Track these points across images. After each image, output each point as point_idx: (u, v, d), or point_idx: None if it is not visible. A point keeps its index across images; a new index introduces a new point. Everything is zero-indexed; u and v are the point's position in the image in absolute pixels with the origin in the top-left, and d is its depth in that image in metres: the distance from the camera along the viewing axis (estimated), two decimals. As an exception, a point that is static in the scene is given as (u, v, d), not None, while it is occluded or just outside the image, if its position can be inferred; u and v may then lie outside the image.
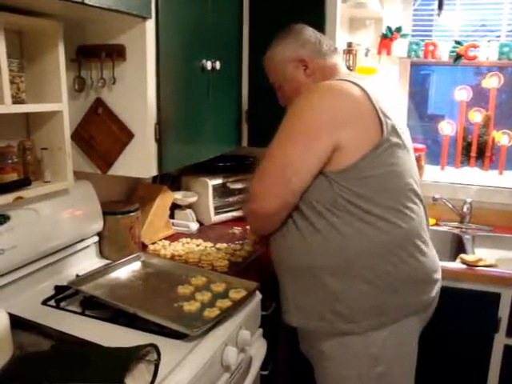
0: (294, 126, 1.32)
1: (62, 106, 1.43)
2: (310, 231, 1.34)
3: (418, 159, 2.41)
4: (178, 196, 2.18)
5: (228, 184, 2.29)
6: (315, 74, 1.46)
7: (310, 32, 1.51)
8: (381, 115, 1.31)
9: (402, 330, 1.37)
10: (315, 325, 1.39)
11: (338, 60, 1.52)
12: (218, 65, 1.86)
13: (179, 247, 1.89)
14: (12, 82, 1.34)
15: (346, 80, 1.36)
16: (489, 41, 2.35)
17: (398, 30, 2.46)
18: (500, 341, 1.90)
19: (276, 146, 1.33)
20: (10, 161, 1.37)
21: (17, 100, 1.36)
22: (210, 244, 1.94)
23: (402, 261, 1.33)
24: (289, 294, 1.45)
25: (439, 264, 1.48)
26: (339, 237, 1.31)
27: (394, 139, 1.33)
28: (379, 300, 1.33)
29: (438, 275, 1.46)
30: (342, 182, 1.30)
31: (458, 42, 2.37)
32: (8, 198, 1.31)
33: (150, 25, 1.48)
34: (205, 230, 2.18)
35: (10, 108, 1.29)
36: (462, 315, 1.91)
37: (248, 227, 2.07)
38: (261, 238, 1.63)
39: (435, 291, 1.43)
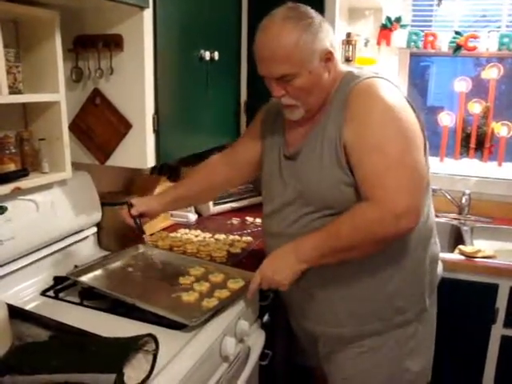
0: (405, 131, 1.22)
1: (59, 97, 1.42)
2: None
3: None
4: (177, 187, 2.18)
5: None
6: (332, 70, 1.30)
7: (323, 19, 1.31)
8: (417, 112, 1.32)
9: (432, 303, 1.47)
10: (372, 327, 1.37)
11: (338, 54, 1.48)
12: (216, 55, 1.85)
13: (178, 238, 1.89)
14: (8, 72, 1.33)
15: (379, 77, 1.32)
16: (489, 31, 2.34)
17: (398, 20, 2.44)
18: (497, 331, 1.91)
19: (402, 152, 1.20)
20: (7, 151, 1.37)
21: (14, 90, 1.36)
22: (208, 235, 1.94)
23: (429, 246, 1.40)
24: (337, 305, 1.37)
25: None
26: None
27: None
28: (420, 284, 1.39)
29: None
30: None
31: (457, 33, 2.36)
32: (6, 188, 1.31)
33: (148, 14, 1.47)
34: (203, 221, 2.18)
35: (6, 98, 1.29)
36: (460, 306, 1.92)
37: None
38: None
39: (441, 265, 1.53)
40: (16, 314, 1.20)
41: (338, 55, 1.41)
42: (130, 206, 1.57)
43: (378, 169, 1.19)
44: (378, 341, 1.39)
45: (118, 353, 0.96)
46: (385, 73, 2.37)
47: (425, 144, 1.33)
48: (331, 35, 1.30)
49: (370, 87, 1.26)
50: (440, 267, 1.51)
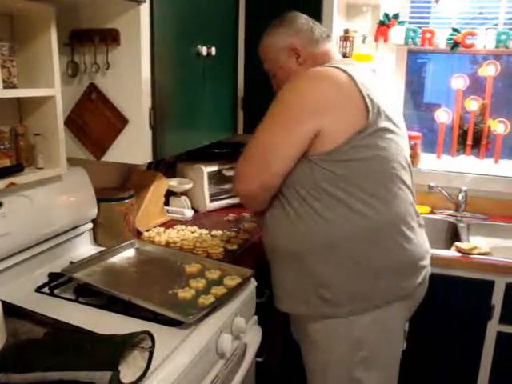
0: (277, 111, 1.35)
1: (54, 91, 1.41)
2: (295, 216, 1.36)
3: (413, 147, 2.42)
4: (173, 183, 2.17)
5: (223, 171, 2.28)
6: (307, 62, 1.47)
7: (302, 20, 1.51)
8: (367, 100, 1.30)
9: (385, 316, 1.37)
10: (301, 309, 1.42)
11: (331, 47, 1.52)
12: (213, 50, 1.84)
13: (174, 234, 1.88)
14: (3, 67, 1.32)
15: (333, 66, 1.37)
16: (486, 29, 2.33)
17: (396, 16, 2.44)
18: (493, 328, 1.91)
19: (260, 129, 1.36)
20: (2, 147, 1.36)
21: (8, 85, 1.34)
22: (205, 231, 1.94)
23: (385, 247, 1.34)
24: (278, 279, 1.48)
25: (428, 251, 1.46)
26: (321, 221, 1.32)
27: (382, 124, 1.33)
28: (361, 286, 1.34)
29: (425, 262, 1.44)
30: (324, 165, 1.31)
31: (455, 30, 2.35)
32: (0, 184, 1.30)
33: (145, 9, 1.46)
34: (200, 217, 2.17)
35: (1, 93, 1.27)
36: (456, 302, 1.92)
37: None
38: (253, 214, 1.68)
39: (421, 278, 1.41)
40: (10, 310, 1.19)
41: (332, 46, 1.51)
42: None
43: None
44: (323, 329, 1.39)
45: (113, 350, 0.95)
46: (380, 69, 2.40)
47: (389, 128, 1.35)
48: (306, 34, 1.48)
49: (300, 74, 1.39)
50: (419, 277, 1.40)
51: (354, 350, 1.38)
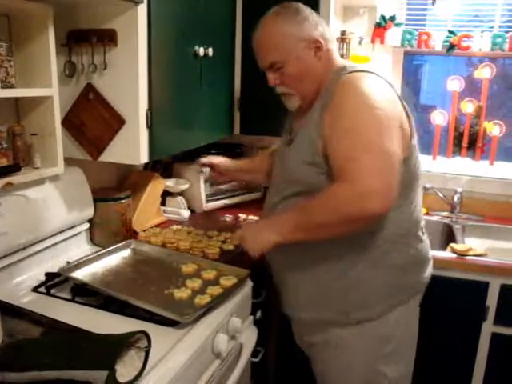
0: (378, 116, 1.23)
1: (52, 91, 1.41)
2: None
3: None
4: (170, 183, 2.17)
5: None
6: (323, 58, 1.37)
7: (314, 13, 1.41)
8: (405, 105, 1.35)
9: (408, 310, 1.43)
10: (330, 317, 1.40)
11: (335, 47, 1.51)
12: (210, 51, 1.85)
13: (170, 234, 1.88)
14: (0, 66, 1.32)
15: (374, 73, 1.34)
16: (482, 31, 2.35)
17: (392, 18, 2.44)
18: (488, 329, 1.92)
19: (374, 137, 1.21)
20: (-1, 146, 1.36)
21: (6, 84, 1.34)
22: (201, 231, 1.94)
23: (409, 244, 1.40)
24: (300, 288, 1.43)
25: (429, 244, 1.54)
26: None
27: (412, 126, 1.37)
28: (391, 283, 1.38)
29: (431, 254, 1.52)
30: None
31: (451, 32, 2.36)
32: (-3, 183, 1.30)
33: (142, 10, 1.46)
34: (196, 218, 2.18)
35: (-1, 92, 1.28)
36: (451, 303, 1.93)
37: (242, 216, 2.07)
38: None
39: (431, 269, 1.51)
40: (7, 310, 1.20)
41: (335, 48, 1.45)
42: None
43: (348, 151, 1.21)
44: (347, 334, 1.40)
45: (109, 350, 0.95)
46: (379, 69, 2.40)
47: (410, 139, 1.34)
48: (323, 27, 1.38)
49: (353, 79, 1.30)
50: (428, 269, 1.49)
51: (381, 346, 1.41)
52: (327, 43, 1.38)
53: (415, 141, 1.36)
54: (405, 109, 1.35)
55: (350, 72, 1.32)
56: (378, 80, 1.32)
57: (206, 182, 2.09)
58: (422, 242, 1.44)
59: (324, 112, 1.30)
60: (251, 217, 2.14)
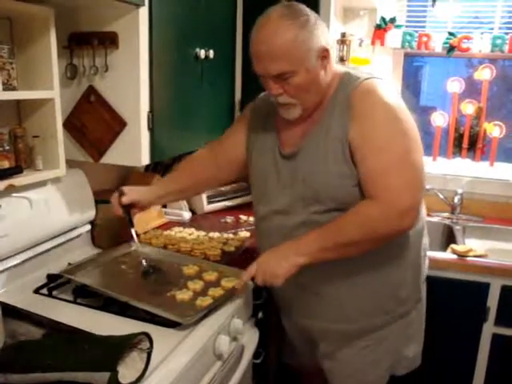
0: (405, 133, 1.25)
1: (53, 94, 1.42)
2: None
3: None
4: (171, 185, 2.17)
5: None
6: (328, 67, 1.30)
7: (318, 17, 1.30)
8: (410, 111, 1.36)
9: (424, 297, 1.55)
10: (378, 321, 1.42)
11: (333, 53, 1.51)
12: (211, 53, 1.85)
13: (172, 236, 1.89)
14: (2, 69, 1.33)
15: (382, 80, 1.35)
16: (482, 33, 2.35)
17: (392, 20, 2.45)
18: (488, 330, 1.92)
19: (405, 152, 1.22)
20: (1, 148, 1.37)
21: (8, 87, 1.35)
22: (202, 233, 1.94)
23: (421, 240, 1.46)
24: (344, 300, 1.39)
25: None
26: None
27: None
28: (415, 277, 1.45)
29: None
30: None
31: (451, 34, 2.37)
32: (-1, 185, 1.30)
33: (143, 12, 1.47)
34: (197, 219, 2.18)
35: (0, 95, 1.28)
36: (451, 304, 1.93)
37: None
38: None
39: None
40: (9, 312, 1.20)
41: (334, 54, 1.43)
42: (121, 194, 1.50)
43: (381, 167, 1.21)
44: (380, 334, 1.44)
45: (112, 351, 0.96)
46: (379, 73, 2.41)
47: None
48: (326, 33, 1.30)
49: (372, 88, 1.28)
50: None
51: (404, 334, 1.47)
52: (331, 50, 1.32)
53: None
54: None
55: (365, 79, 1.31)
56: (390, 88, 1.33)
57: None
58: (426, 234, 1.52)
59: (348, 123, 1.26)
60: (252, 218, 2.14)
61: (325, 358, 1.52)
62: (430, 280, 1.55)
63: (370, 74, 1.36)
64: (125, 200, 1.50)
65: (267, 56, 1.24)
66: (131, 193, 1.52)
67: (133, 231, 1.54)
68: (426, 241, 1.50)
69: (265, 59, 1.25)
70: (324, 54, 1.27)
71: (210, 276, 1.46)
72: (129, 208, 1.51)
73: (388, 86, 1.32)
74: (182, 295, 1.34)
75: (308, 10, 1.29)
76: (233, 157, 1.55)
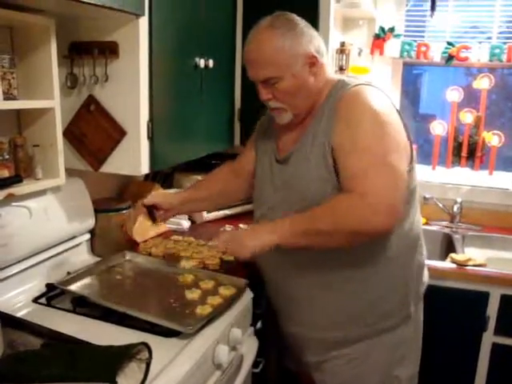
0: (387, 135, 1.25)
1: (53, 103, 1.42)
2: None
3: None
4: (170, 194, 2.18)
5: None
6: (318, 74, 1.34)
7: (305, 24, 1.36)
8: (403, 118, 1.36)
9: (416, 314, 1.49)
10: (357, 333, 1.41)
11: (328, 61, 1.52)
12: (211, 63, 1.86)
13: (171, 245, 1.88)
14: (3, 78, 1.33)
15: (371, 86, 1.37)
16: (480, 42, 2.37)
17: (391, 30, 2.47)
18: (488, 339, 1.92)
19: (385, 153, 1.23)
20: (0, 157, 1.36)
21: (8, 96, 1.35)
22: (201, 242, 1.94)
23: (419, 251, 1.46)
24: (321, 309, 1.43)
25: None
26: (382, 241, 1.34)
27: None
28: (404, 293, 1.42)
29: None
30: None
31: (449, 43, 2.39)
32: (-1, 195, 1.30)
33: (144, 22, 1.47)
34: (197, 228, 2.18)
35: (1, 104, 1.29)
36: (451, 314, 1.93)
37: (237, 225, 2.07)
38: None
39: (427, 273, 1.56)
40: (8, 321, 1.19)
41: (330, 62, 1.48)
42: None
43: (360, 167, 1.22)
44: (366, 346, 1.42)
45: (110, 361, 0.96)
46: (376, 81, 2.42)
47: (411, 151, 1.36)
48: (317, 41, 1.35)
49: (357, 93, 1.31)
50: (426, 275, 1.54)
51: (395, 352, 1.45)
52: (321, 58, 1.35)
53: (414, 153, 1.38)
54: (402, 120, 1.36)
55: (354, 86, 1.33)
56: (380, 94, 1.34)
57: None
58: (422, 252, 1.48)
59: (332, 127, 1.29)
60: (251, 227, 2.14)
61: (313, 368, 1.55)
62: (430, 289, 1.55)
63: (364, 81, 1.38)
64: (146, 201, 1.58)
65: (255, 63, 1.33)
66: (155, 195, 1.66)
67: (154, 228, 1.68)
68: (420, 258, 1.47)
69: (254, 66, 1.34)
70: (312, 61, 1.32)
71: (207, 284, 1.46)
72: (151, 208, 1.58)
73: (377, 91, 1.34)
74: (181, 304, 1.33)
75: (298, 20, 1.35)
76: (248, 169, 1.61)
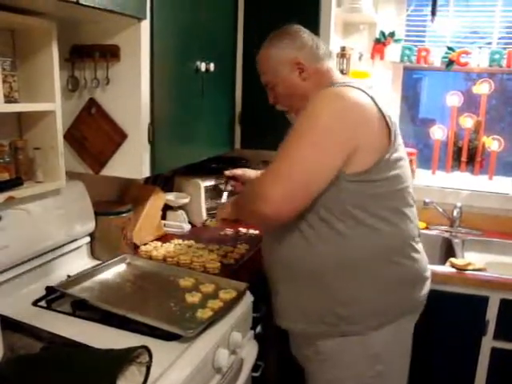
0: (312, 129, 1.28)
1: (54, 106, 1.42)
2: (315, 238, 1.35)
3: (409, 163, 2.44)
4: (171, 197, 2.18)
5: (220, 185, 2.29)
6: (311, 78, 1.45)
7: (306, 35, 1.49)
8: (388, 121, 1.34)
9: (399, 329, 1.41)
10: (317, 328, 1.40)
11: (332, 64, 1.53)
12: (212, 66, 1.87)
13: (171, 248, 1.88)
14: (4, 81, 1.33)
15: (353, 87, 1.35)
16: (480, 47, 2.38)
17: (392, 34, 2.48)
18: (488, 343, 1.92)
19: (294, 148, 1.28)
20: (1, 160, 1.37)
21: (9, 99, 1.35)
22: (201, 245, 1.94)
23: (399, 262, 1.38)
24: (286, 298, 1.45)
25: (427, 261, 1.51)
26: (342, 240, 1.33)
27: (399, 143, 1.37)
28: (378, 301, 1.36)
29: (429, 273, 1.50)
30: (353, 186, 1.30)
31: (450, 48, 2.39)
32: (-1, 197, 1.30)
33: (145, 26, 1.48)
34: (197, 232, 2.18)
35: (2, 107, 1.29)
36: (450, 318, 1.93)
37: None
38: (233, 219, 1.64)
39: (426, 289, 1.48)
40: (8, 324, 1.19)
41: (329, 66, 1.49)
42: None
43: (277, 154, 1.31)
44: (332, 347, 1.40)
45: (111, 365, 0.95)
46: (376, 85, 2.43)
47: (402, 146, 1.39)
48: (309, 49, 1.46)
49: (326, 91, 1.35)
50: (424, 290, 1.47)
51: (369, 365, 1.39)
52: (312, 64, 1.45)
53: (394, 156, 1.34)
54: (387, 124, 1.33)
55: (332, 87, 1.37)
56: (345, 93, 1.32)
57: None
58: (413, 260, 1.41)
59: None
60: (252, 230, 2.14)
61: (296, 353, 1.58)
62: (429, 293, 1.54)
63: (349, 83, 1.39)
64: (227, 172, 1.79)
65: (259, 70, 1.53)
66: (238, 169, 1.82)
67: (224, 194, 1.80)
68: (405, 270, 1.39)
69: (259, 73, 1.53)
70: (299, 67, 1.45)
71: (207, 288, 1.46)
72: (231, 178, 1.79)
73: (352, 91, 1.32)
74: (181, 307, 1.33)
75: (294, 31, 1.49)
76: None
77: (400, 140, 1.39)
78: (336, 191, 1.30)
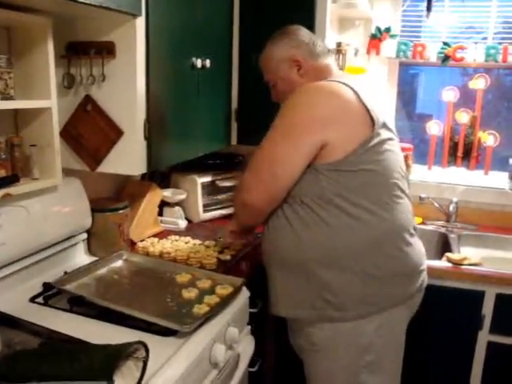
0: (284, 122, 1.39)
1: (50, 103, 1.42)
2: (300, 224, 1.39)
3: (405, 158, 2.44)
4: (167, 193, 2.18)
5: (217, 182, 2.29)
6: (308, 74, 1.51)
7: (304, 33, 1.56)
8: (372, 113, 1.36)
9: (391, 320, 1.42)
10: (306, 313, 1.43)
11: (331, 61, 1.57)
12: (208, 63, 1.86)
13: (168, 245, 1.89)
14: (0, 78, 1.33)
15: (336, 81, 1.41)
16: (476, 43, 2.38)
17: (387, 30, 2.48)
18: (484, 338, 1.93)
19: (266, 140, 1.39)
20: (-3, 157, 1.37)
21: (5, 96, 1.35)
22: (198, 241, 1.94)
23: (388, 254, 1.39)
24: (279, 285, 1.49)
25: (424, 255, 1.53)
26: (327, 229, 1.36)
27: (385, 134, 1.39)
28: (366, 291, 1.38)
29: (424, 266, 1.51)
30: (330, 175, 1.35)
31: (445, 44, 2.39)
32: (-4, 194, 1.30)
33: (140, 22, 1.48)
34: (193, 228, 2.18)
35: (-2, 104, 1.29)
36: (446, 313, 1.94)
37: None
38: (241, 230, 1.72)
39: (420, 281, 1.49)
40: (5, 320, 1.20)
41: (327, 62, 1.54)
42: None
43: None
44: (321, 337, 1.42)
45: (108, 360, 0.96)
46: (372, 81, 2.43)
47: (391, 137, 1.42)
48: (307, 46, 1.52)
49: (305, 86, 1.43)
50: (417, 282, 1.47)
51: (360, 354, 1.41)
52: (310, 60, 1.51)
53: (375, 148, 1.36)
54: (371, 118, 1.36)
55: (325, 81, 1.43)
56: (322, 89, 1.39)
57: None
58: (403, 253, 1.41)
59: None
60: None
61: (293, 343, 1.60)
62: (425, 288, 1.55)
63: (337, 78, 1.44)
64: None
65: (262, 70, 1.61)
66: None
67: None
68: (384, 262, 1.38)
69: (262, 72, 1.61)
70: (297, 64, 1.51)
71: (204, 284, 1.47)
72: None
73: (331, 86, 1.39)
74: (178, 303, 1.34)
75: (292, 30, 1.55)
76: None
77: (389, 134, 1.41)
78: (315, 180, 1.36)
